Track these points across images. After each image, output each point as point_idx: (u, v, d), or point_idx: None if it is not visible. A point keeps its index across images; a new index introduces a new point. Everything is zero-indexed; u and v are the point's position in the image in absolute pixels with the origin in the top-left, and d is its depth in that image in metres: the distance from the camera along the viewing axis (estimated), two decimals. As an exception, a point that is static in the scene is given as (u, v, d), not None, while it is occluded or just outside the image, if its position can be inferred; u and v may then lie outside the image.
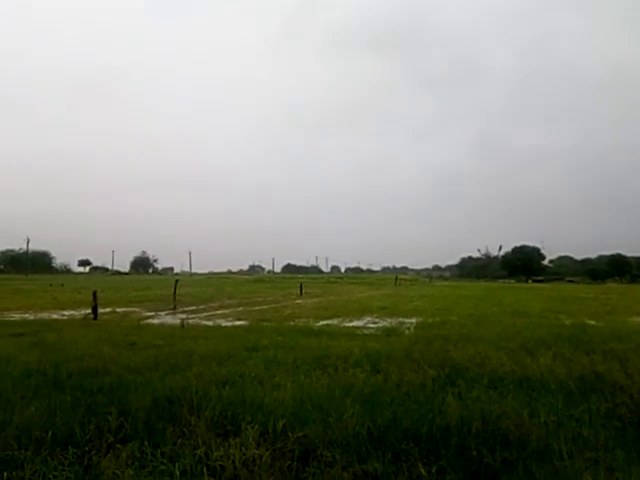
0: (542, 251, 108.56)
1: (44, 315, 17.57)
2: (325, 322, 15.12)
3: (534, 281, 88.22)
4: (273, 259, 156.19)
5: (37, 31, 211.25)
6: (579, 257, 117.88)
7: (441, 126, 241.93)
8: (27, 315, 17.62)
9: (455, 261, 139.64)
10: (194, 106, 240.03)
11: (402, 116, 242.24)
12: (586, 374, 6.53)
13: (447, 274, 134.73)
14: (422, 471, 3.63)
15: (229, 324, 14.65)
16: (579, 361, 7.40)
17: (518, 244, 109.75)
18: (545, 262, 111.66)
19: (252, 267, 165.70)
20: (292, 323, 14.59)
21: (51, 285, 46.37)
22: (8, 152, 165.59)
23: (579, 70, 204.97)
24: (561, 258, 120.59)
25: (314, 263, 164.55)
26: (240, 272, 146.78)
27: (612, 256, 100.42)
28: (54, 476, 3.54)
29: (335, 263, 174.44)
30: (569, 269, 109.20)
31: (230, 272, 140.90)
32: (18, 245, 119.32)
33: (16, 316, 17.11)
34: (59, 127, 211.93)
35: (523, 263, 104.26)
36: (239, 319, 16.21)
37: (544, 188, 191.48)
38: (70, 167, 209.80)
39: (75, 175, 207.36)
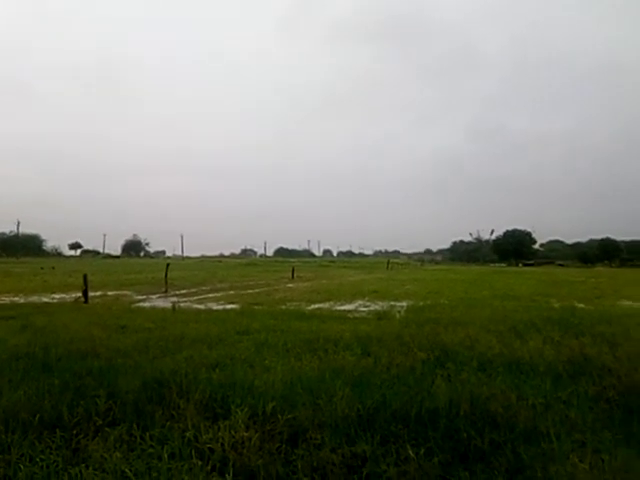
0: (533, 235, 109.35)
1: (34, 298, 17.46)
2: (316, 306, 15.15)
3: (525, 265, 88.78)
4: (265, 243, 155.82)
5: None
6: (570, 241, 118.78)
7: (437, 113, 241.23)
8: (17, 298, 17.50)
9: (447, 245, 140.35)
10: (192, 91, 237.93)
11: (398, 103, 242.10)
12: (575, 357, 6.60)
13: (439, 258, 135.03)
14: (410, 453, 3.63)
15: (220, 307, 14.65)
16: (568, 344, 7.47)
17: (510, 228, 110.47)
18: (536, 246, 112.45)
19: (244, 251, 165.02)
20: (283, 307, 14.60)
21: (42, 268, 46.04)
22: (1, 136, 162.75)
23: (574, 58, 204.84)
24: (552, 242, 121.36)
25: (306, 247, 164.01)
26: (232, 256, 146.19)
27: (602, 240, 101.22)
28: (41, 459, 3.52)
29: (327, 247, 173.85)
30: (560, 253, 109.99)
31: (222, 256, 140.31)
32: (8, 228, 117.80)
33: (6, 299, 16.99)
34: (53, 111, 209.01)
35: (514, 247, 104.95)
36: (231, 302, 16.20)
37: (537, 173, 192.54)
38: (61, 151, 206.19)
39: (66, 159, 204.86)
